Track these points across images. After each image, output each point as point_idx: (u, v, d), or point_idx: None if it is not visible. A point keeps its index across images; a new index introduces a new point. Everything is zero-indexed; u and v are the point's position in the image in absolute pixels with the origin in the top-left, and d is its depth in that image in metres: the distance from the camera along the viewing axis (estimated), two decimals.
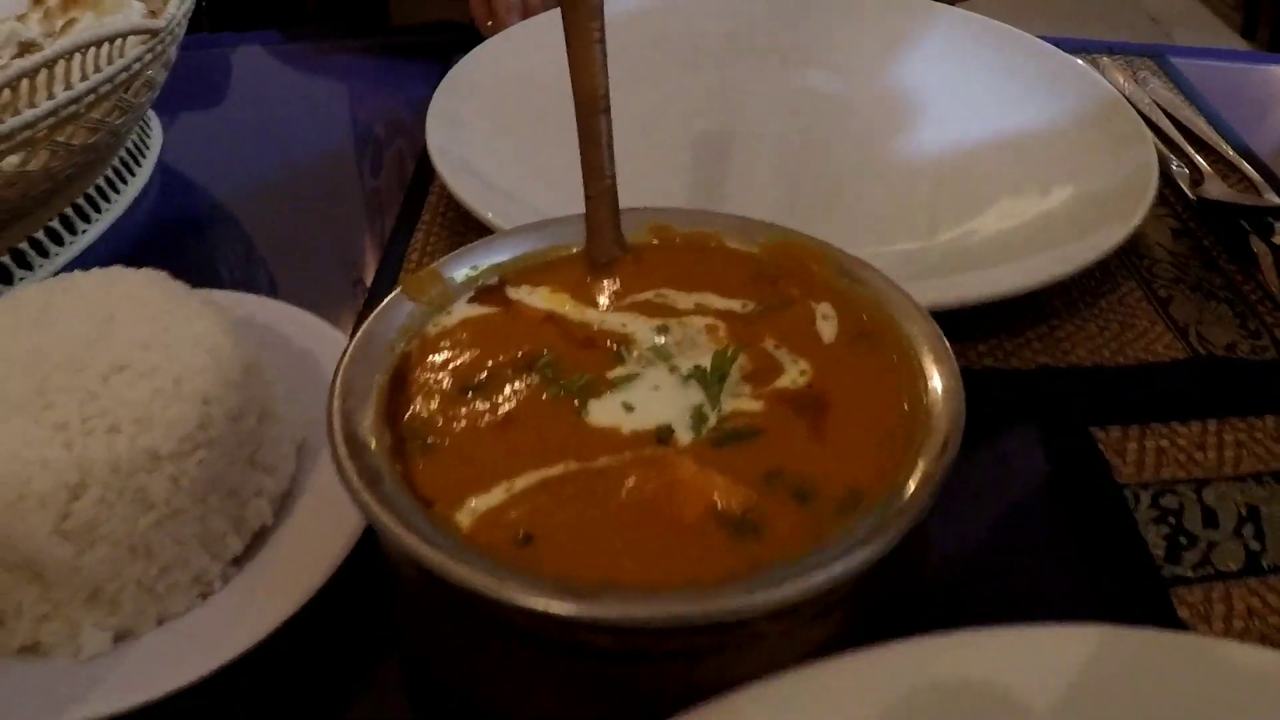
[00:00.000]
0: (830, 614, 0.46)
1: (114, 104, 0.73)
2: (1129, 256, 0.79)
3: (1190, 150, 0.92)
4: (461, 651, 0.48)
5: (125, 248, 0.79)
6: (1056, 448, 0.65)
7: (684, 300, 0.55)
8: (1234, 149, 0.92)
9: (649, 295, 0.56)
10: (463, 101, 0.85)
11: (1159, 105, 0.98)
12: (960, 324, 0.64)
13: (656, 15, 1.01)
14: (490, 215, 0.71)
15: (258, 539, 0.55)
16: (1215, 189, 0.87)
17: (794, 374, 0.51)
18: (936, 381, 0.50)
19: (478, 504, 0.46)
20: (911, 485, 0.45)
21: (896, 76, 0.99)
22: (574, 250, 0.58)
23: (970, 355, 0.70)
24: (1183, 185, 0.88)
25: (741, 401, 0.50)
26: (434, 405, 0.51)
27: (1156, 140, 0.90)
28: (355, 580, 0.53)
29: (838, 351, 0.53)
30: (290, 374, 0.61)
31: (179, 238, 0.79)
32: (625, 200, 0.60)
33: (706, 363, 0.51)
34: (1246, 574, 0.58)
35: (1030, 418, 0.66)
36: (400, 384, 0.52)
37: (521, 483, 0.47)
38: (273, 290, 0.72)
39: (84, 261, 0.76)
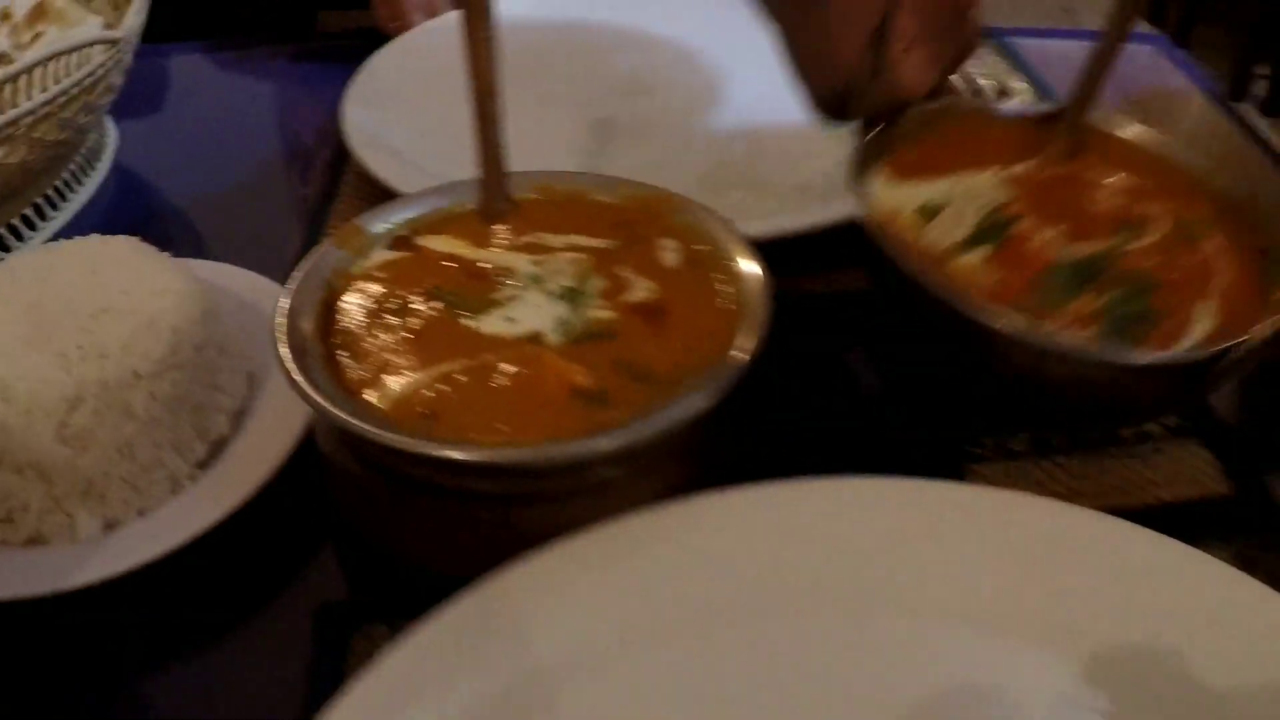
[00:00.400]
0: (666, 464, 0.61)
1: (81, 105, 0.87)
2: None
3: None
4: (379, 510, 0.63)
5: (92, 230, 0.92)
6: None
7: (557, 241, 0.70)
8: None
9: (529, 238, 0.70)
10: (376, 90, 1.01)
11: (983, 80, 1.14)
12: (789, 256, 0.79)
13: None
14: (396, 184, 0.85)
15: (218, 446, 0.69)
16: None
17: (641, 290, 0.66)
18: (752, 291, 0.65)
19: (391, 392, 0.61)
20: (726, 364, 0.61)
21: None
22: (471, 207, 0.73)
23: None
24: None
25: (599, 311, 0.65)
26: (358, 323, 0.65)
27: None
28: (297, 479, 0.68)
29: (678, 273, 0.68)
30: (239, 319, 0.75)
31: (135, 225, 0.92)
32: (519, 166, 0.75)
33: (572, 284, 0.67)
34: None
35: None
36: (331, 309, 0.66)
37: (425, 376, 0.62)
38: (220, 259, 0.86)
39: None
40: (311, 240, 0.90)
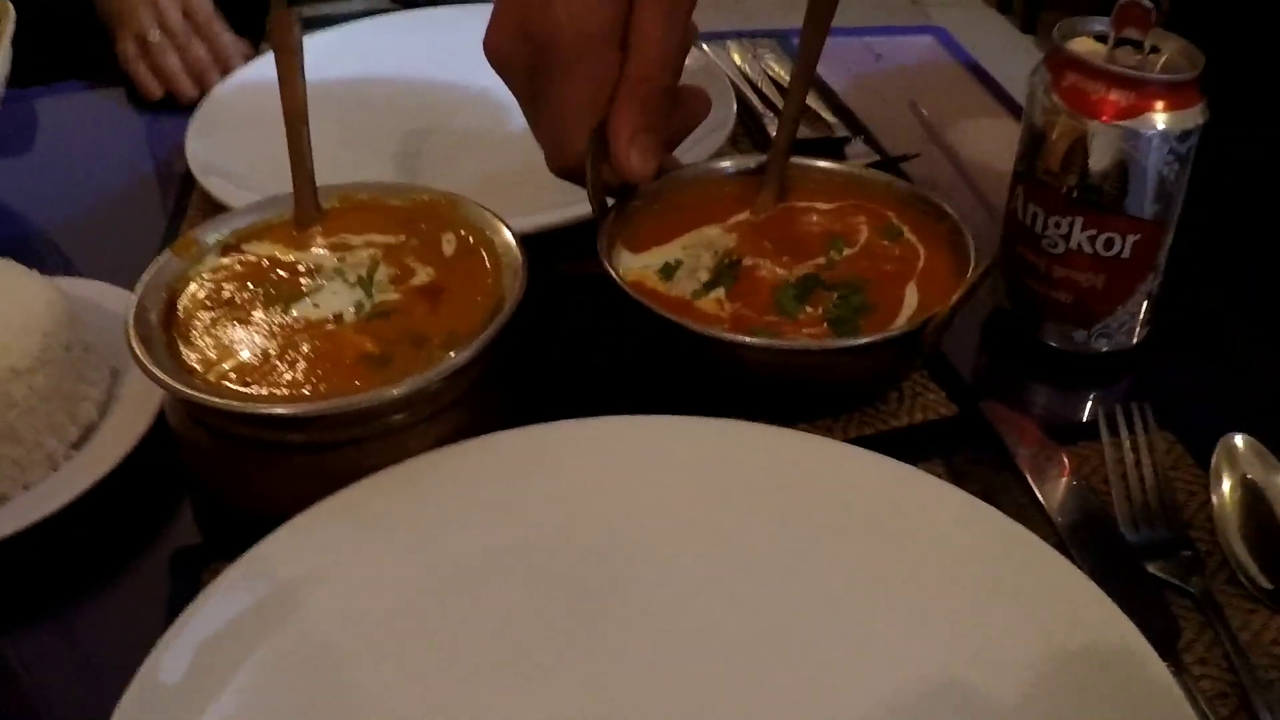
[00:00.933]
0: (446, 412, 0.79)
1: None
2: None
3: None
4: (218, 467, 0.80)
5: None
6: None
7: (357, 240, 0.87)
8: (832, 109, 1.29)
9: (334, 239, 0.87)
10: (215, 120, 1.19)
11: (769, 77, 1.34)
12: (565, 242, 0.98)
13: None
14: (230, 202, 1.02)
15: (88, 430, 0.84)
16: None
17: (422, 276, 0.84)
18: (512, 271, 0.83)
19: (221, 369, 0.78)
20: (486, 329, 0.78)
21: None
22: (287, 217, 0.89)
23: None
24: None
25: (387, 295, 0.82)
26: (195, 317, 0.82)
27: (760, 104, 1.26)
28: (156, 452, 0.83)
29: (454, 260, 0.85)
30: (101, 323, 0.90)
31: (6, 250, 1.07)
32: (334, 178, 0.92)
33: (365, 273, 0.84)
34: None
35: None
36: (173, 307, 0.82)
37: (245, 355, 0.78)
38: (84, 276, 1.02)
39: None
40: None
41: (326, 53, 1.32)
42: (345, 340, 0.78)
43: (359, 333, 0.79)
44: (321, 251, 0.87)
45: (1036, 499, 0.81)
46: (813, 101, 1.29)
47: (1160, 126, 0.84)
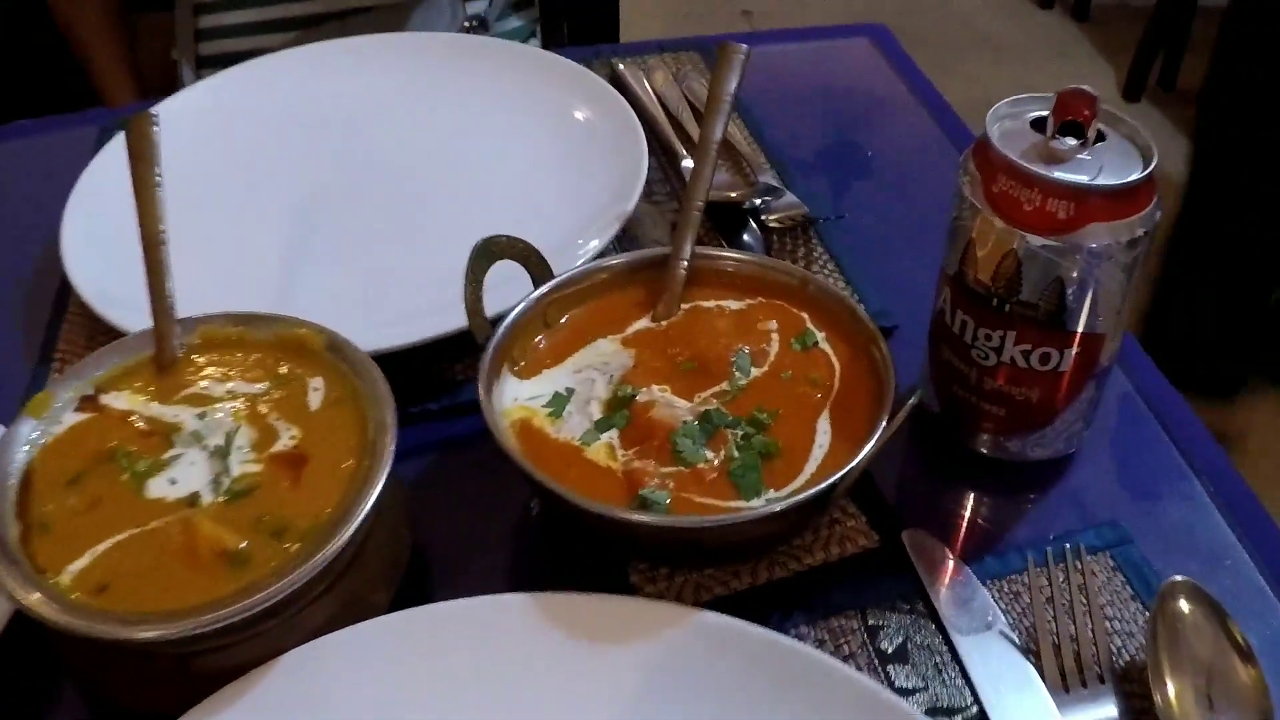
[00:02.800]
0: (316, 604, 0.75)
1: None
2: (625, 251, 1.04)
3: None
4: (87, 663, 0.77)
5: None
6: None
7: (219, 389, 0.82)
8: (755, 137, 1.19)
9: (195, 389, 0.82)
10: (96, 198, 1.12)
11: (688, 100, 1.24)
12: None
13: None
14: (111, 316, 0.97)
15: None
16: (718, 180, 1.07)
17: (285, 439, 0.79)
18: (382, 428, 0.78)
19: (73, 568, 0.74)
20: (351, 515, 0.74)
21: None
22: (148, 357, 0.84)
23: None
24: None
25: (247, 466, 0.78)
26: (48, 497, 0.77)
27: (674, 137, 1.16)
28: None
29: (319, 415, 0.80)
30: None
31: None
32: (205, 303, 0.86)
33: (224, 440, 0.79)
34: None
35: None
36: (28, 485, 0.79)
37: (100, 548, 0.74)
38: None
39: None
40: (43, 365, 1.03)
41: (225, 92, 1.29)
42: (201, 534, 0.74)
43: (217, 520, 0.75)
44: (181, 406, 0.82)
45: (957, 654, 0.77)
46: (741, 138, 1.21)
47: (1105, 240, 0.76)
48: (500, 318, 0.86)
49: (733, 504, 0.77)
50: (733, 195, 1.09)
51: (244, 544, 0.74)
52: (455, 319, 0.90)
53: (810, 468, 0.79)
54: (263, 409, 0.81)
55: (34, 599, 0.70)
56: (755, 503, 0.77)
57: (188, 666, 0.74)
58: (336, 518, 0.73)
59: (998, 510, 0.88)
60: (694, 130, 1.20)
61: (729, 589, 0.82)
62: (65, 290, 1.07)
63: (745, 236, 1.07)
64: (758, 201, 1.09)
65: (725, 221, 1.09)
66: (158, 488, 0.77)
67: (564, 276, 0.89)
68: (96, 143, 1.23)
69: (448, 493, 0.90)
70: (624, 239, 1.08)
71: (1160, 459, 0.91)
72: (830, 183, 1.19)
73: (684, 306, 0.90)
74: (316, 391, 0.81)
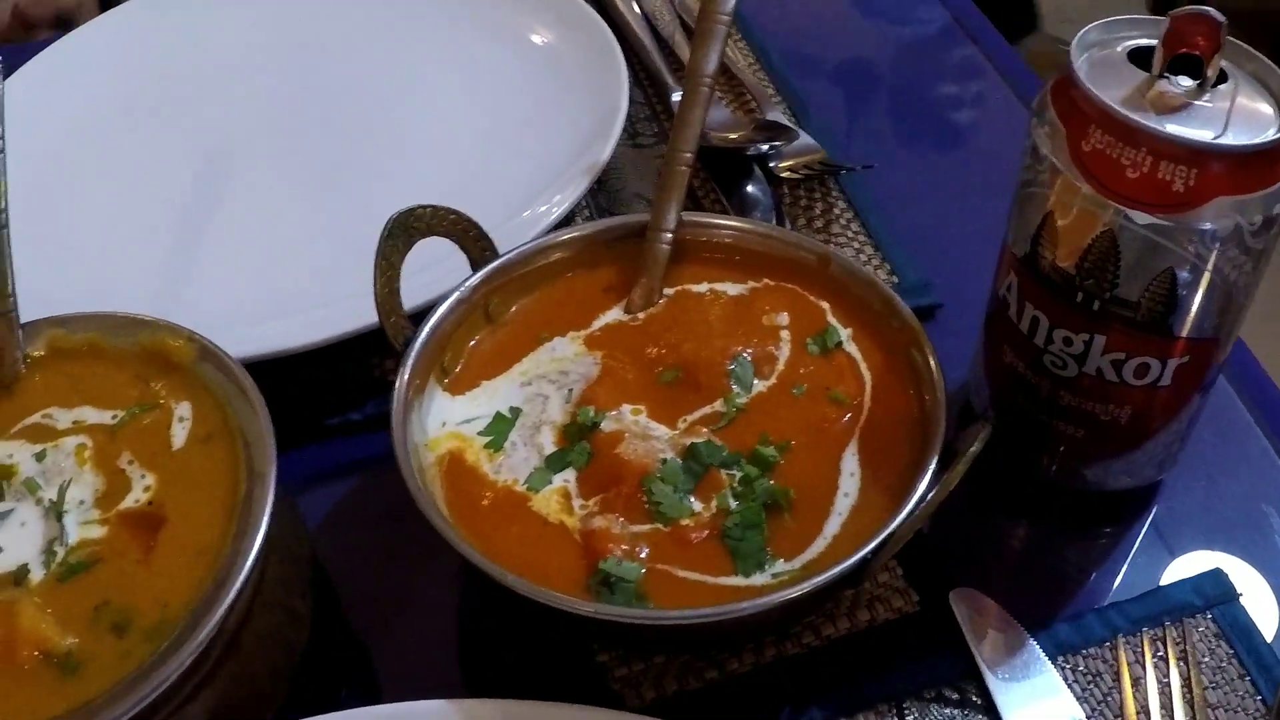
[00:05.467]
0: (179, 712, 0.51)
1: None
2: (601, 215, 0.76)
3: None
4: None
5: None
6: None
7: (65, 418, 0.58)
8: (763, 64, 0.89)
9: (37, 418, 0.58)
10: None
11: (682, 20, 0.93)
12: None
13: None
14: None
15: None
16: (718, 116, 0.80)
17: (139, 491, 0.55)
18: (261, 477, 0.53)
19: None
20: (213, 606, 0.49)
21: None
22: None
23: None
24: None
25: (89, 529, 0.54)
26: None
27: (666, 68, 0.87)
28: None
29: (184, 458, 0.56)
30: None
31: None
32: (64, 302, 0.62)
33: (60, 496, 0.54)
34: None
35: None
36: None
37: None
38: None
39: None
40: None
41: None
42: (21, 628, 0.50)
43: (42, 610, 0.51)
44: (17, 442, 0.57)
45: None
46: (749, 73, 0.90)
47: (1230, 220, 0.49)
48: (426, 312, 0.60)
49: (728, 581, 0.53)
50: (733, 138, 0.80)
51: (73, 642, 0.50)
52: (367, 310, 0.64)
53: (833, 527, 0.54)
54: (115, 448, 0.57)
55: None
56: (757, 578, 0.53)
57: None
58: (196, 607, 0.49)
59: (1069, 558, 0.63)
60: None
61: (724, 673, 0.58)
62: None
63: (749, 188, 0.78)
64: (765, 146, 0.79)
65: (724, 169, 0.80)
66: None
67: (511, 255, 0.63)
68: None
69: (369, 531, 0.65)
70: (600, 196, 0.80)
71: (1270, 484, 0.65)
72: (855, 123, 0.89)
73: (667, 292, 0.64)
74: (182, 423, 0.57)
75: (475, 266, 0.62)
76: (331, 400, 0.68)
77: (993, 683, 0.56)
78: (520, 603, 0.52)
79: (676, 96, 0.85)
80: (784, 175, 0.79)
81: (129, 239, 0.80)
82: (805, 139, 0.81)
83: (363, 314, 0.65)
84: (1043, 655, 0.57)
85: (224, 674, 0.53)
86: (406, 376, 0.58)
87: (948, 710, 0.56)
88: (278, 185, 0.83)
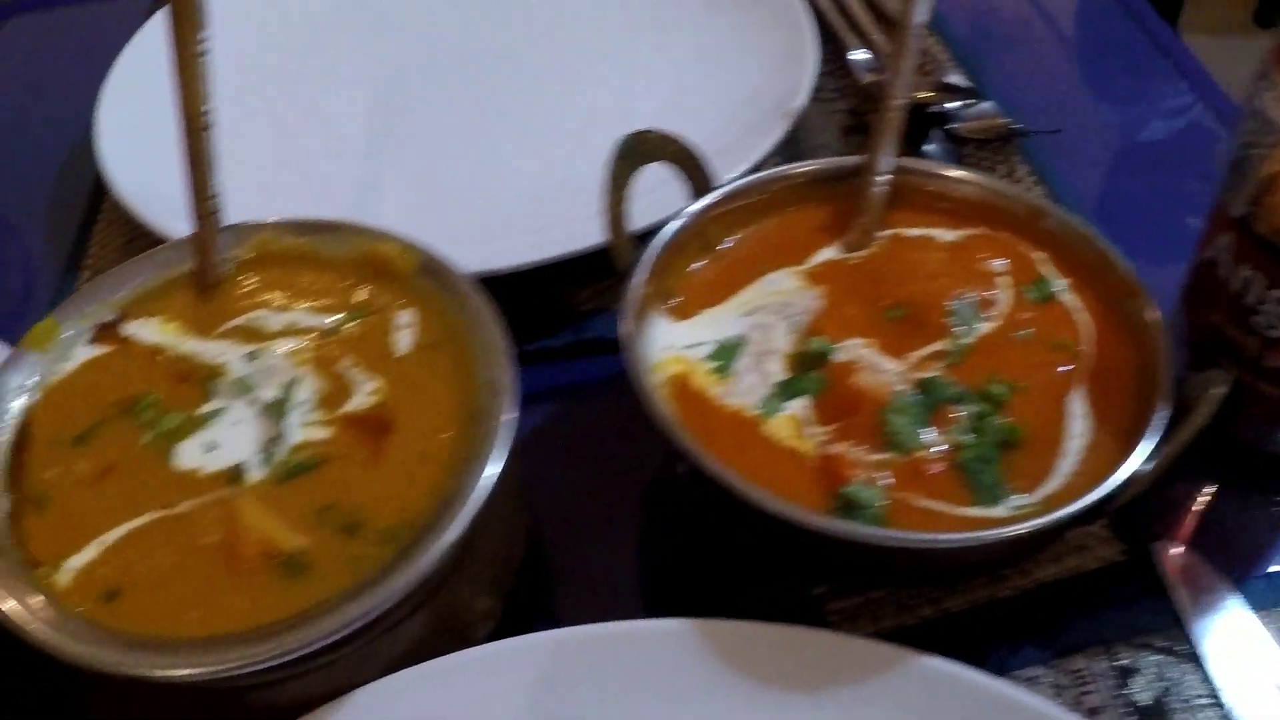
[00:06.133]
0: (400, 626, 0.48)
1: None
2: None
3: (878, 34, 0.84)
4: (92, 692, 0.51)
5: None
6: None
7: (276, 321, 0.55)
8: (937, 28, 0.86)
9: (245, 319, 0.56)
10: (135, 84, 0.81)
11: None
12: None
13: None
14: (152, 217, 0.69)
15: None
16: None
17: (363, 395, 0.52)
18: (496, 391, 0.50)
19: (74, 562, 0.48)
20: (454, 510, 0.46)
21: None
22: (185, 274, 0.57)
23: (609, 294, 0.68)
24: (859, 74, 0.80)
25: (311, 430, 0.51)
26: (48, 461, 0.52)
27: (842, 24, 0.84)
28: None
29: (408, 365, 0.53)
30: None
31: None
32: (261, 211, 0.59)
33: (281, 392, 0.51)
34: None
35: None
36: (25, 441, 0.52)
37: (112, 536, 0.49)
38: None
39: None
40: (71, 273, 0.74)
41: None
42: (245, 528, 0.47)
43: (266, 508, 0.48)
44: (226, 342, 0.54)
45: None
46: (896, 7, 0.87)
47: None
48: (647, 236, 0.58)
49: (969, 512, 0.50)
50: (919, 96, 0.77)
51: (304, 545, 0.46)
52: (582, 234, 0.64)
53: (1067, 465, 0.51)
54: (334, 352, 0.54)
55: (10, 607, 0.44)
56: (997, 509, 0.50)
57: (220, 706, 0.48)
58: (432, 513, 0.47)
59: (1261, 519, 0.59)
60: (860, 13, 0.88)
61: (939, 610, 0.56)
62: (100, 186, 0.78)
63: (930, 146, 0.77)
64: (947, 105, 0.77)
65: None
66: (190, 455, 0.51)
67: (733, 187, 0.61)
68: (147, 14, 0.90)
69: (569, 457, 0.63)
70: (787, 148, 0.76)
71: None
72: (1033, 87, 0.85)
73: (879, 235, 0.61)
74: (405, 330, 0.54)
75: (695, 195, 0.60)
76: (526, 330, 0.63)
77: (1198, 634, 0.54)
78: (754, 524, 0.49)
79: (854, 53, 0.84)
80: (968, 136, 0.76)
81: (322, 154, 0.79)
82: (985, 103, 0.78)
83: (568, 241, 0.64)
84: (1249, 609, 0.55)
85: (453, 585, 0.50)
86: (634, 298, 0.55)
87: (1154, 658, 0.53)
88: (476, 115, 0.81)
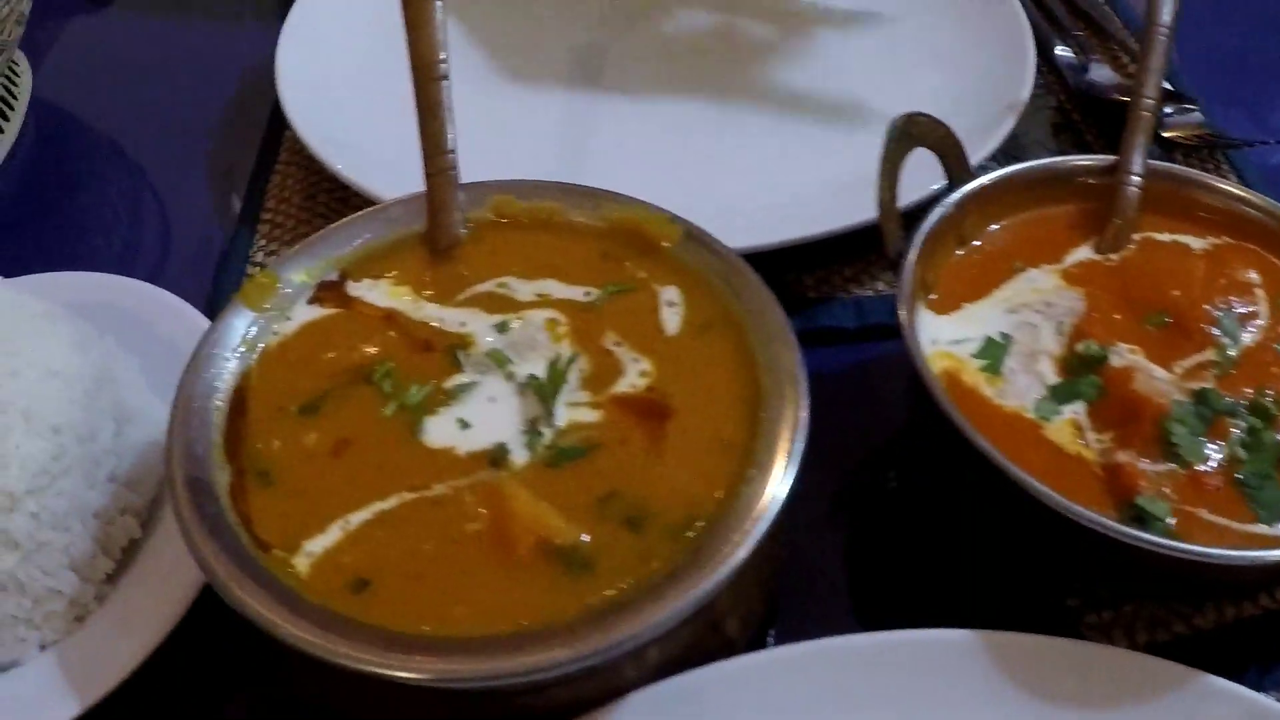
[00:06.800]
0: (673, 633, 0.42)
1: None
2: (1002, 157, 0.66)
3: (1077, 29, 0.78)
4: (316, 679, 0.44)
5: (6, 200, 0.70)
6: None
7: (526, 290, 0.49)
8: (1123, 23, 0.80)
9: (490, 286, 0.49)
10: (316, 29, 0.73)
11: None
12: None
13: None
14: (340, 164, 0.63)
15: (129, 551, 0.50)
16: (1100, 76, 0.74)
17: (634, 375, 0.46)
18: (784, 372, 0.44)
19: (314, 546, 0.42)
20: (750, 507, 0.40)
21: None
22: (415, 233, 0.50)
23: (835, 281, 0.63)
24: (1066, 72, 0.75)
25: (579, 411, 0.45)
26: (272, 430, 0.46)
27: (1042, 20, 0.79)
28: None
29: (681, 345, 0.47)
30: (150, 363, 0.56)
31: (58, 179, 0.70)
32: (473, 172, 0.52)
33: (543, 369, 0.45)
34: None
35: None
36: (242, 407, 0.46)
37: (357, 519, 0.43)
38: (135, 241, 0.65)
39: None
40: (247, 225, 0.66)
41: None
42: (514, 510, 0.41)
43: (536, 494, 0.41)
44: (471, 310, 0.48)
45: None
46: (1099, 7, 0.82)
47: None
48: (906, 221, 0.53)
49: (1253, 529, 0.46)
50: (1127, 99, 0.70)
51: (585, 538, 0.40)
52: (822, 216, 0.58)
53: None
54: (595, 327, 0.47)
55: (248, 597, 0.38)
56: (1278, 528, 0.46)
57: (470, 707, 0.42)
58: (722, 510, 0.40)
59: None
60: (1057, 7, 0.81)
61: (1190, 626, 0.51)
62: (275, 132, 0.72)
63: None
64: (1167, 110, 0.71)
65: (1107, 124, 0.72)
66: (441, 431, 0.45)
67: (989, 179, 0.56)
68: None
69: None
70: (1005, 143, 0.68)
71: None
72: (1239, 94, 0.78)
73: (1133, 238, 0.56)
74: (672, 308, 0.47)
75: (952, 185, 0.55)
76: None
77: None
78: (1043, 529, 0.45)
79: (1060, 50, 0.77)
80: (1176, 140, 0.71)
81: (553, 124, 0.72)
82: (1193, 110, 0.72)
83: (822, 220, 0.59)
84: None
85: (741, 585, 0.43)
86: (908, 286, 0.50)
87: None
88: (707, 96, 0.74)
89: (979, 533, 0.53)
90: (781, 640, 0.48)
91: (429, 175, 0.51)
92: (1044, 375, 0.50)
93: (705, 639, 0.45)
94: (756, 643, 0.49)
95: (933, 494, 0.55)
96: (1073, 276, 0.55)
